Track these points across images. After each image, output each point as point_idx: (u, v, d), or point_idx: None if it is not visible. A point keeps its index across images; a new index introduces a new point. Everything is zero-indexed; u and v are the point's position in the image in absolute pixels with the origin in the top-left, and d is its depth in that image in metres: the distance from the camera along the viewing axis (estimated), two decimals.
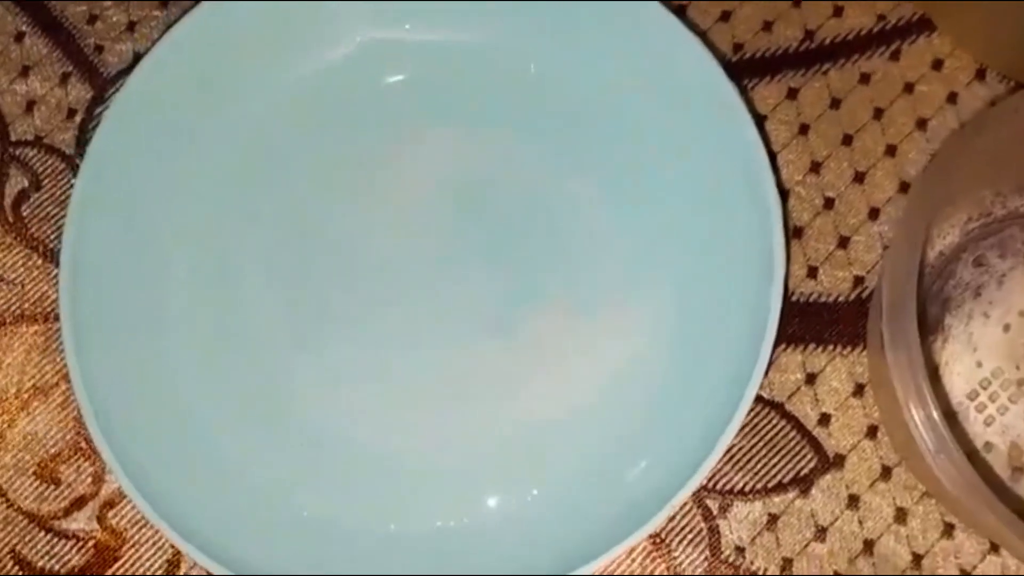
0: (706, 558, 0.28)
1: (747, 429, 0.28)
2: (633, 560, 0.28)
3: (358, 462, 0.28)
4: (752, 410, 0.28)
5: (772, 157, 0.30)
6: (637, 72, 0.29)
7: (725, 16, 0.31)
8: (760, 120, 0.30)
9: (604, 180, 0.29)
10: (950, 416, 0.28)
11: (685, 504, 0.28)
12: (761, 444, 0.28)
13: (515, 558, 0.26)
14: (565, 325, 0.28)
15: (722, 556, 0.28)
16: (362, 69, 0.29)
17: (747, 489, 0.28)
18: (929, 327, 0.29)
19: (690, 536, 0.28)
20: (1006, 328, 0.29)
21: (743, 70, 0.31)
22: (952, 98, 0.30)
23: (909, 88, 0.31)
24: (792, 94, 0.31)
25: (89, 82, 0.32)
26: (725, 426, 0.25)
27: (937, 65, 0.31)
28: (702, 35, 0.30)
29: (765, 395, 0.29)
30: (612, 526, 0.25)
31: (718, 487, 0.28)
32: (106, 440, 0.26)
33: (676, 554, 0.28)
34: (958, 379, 0.28)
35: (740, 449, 0.28)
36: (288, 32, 0.29)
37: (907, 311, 0.24)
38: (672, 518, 0.28)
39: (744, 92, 0.30)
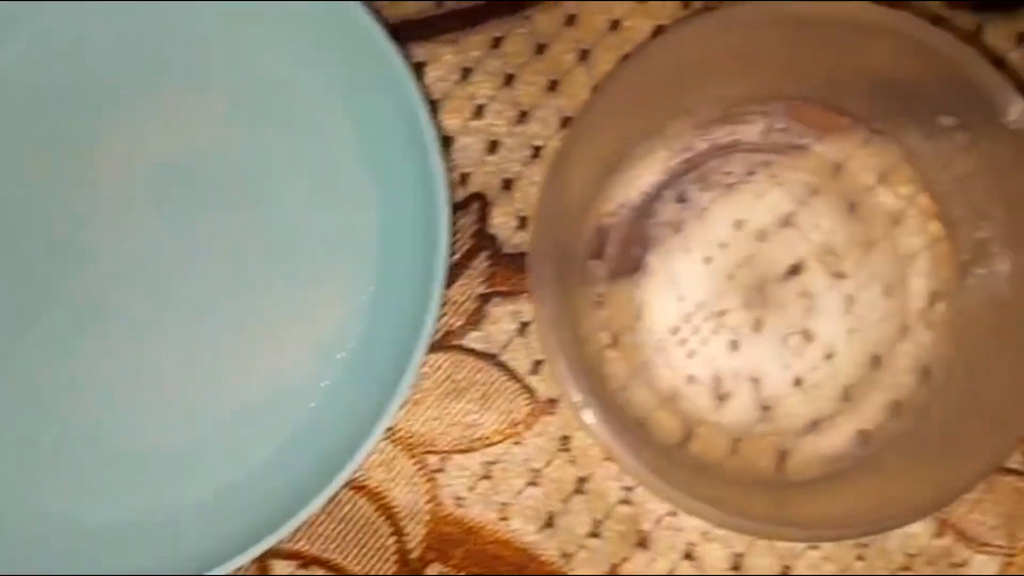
0: (429, 511, 0.29)
1: (463, 383, 0.29)
2: (358, 513, 0.29)
3: (86, 452, 0.28)
4: (469, 365, 0.29)
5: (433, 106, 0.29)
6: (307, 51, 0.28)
7: None
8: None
9: (294, 154, 0.29)
10: (659, 350, 0.28)
11: (410, 460, 0.29)
12: (480, 397, 0.29)
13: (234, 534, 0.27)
14: (272, 300, 0.29)
15: (443, 508, 0.29)
16: (37, 61, 0.29)
17: (463, 443, 0.29)
18: (632, 267, 0.29)
19: (411, 493, 0.28)
20: (707, 261, 0.29)
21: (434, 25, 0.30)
22: (659, 32, 0.30)
23: (615, 25, 0.31)
24: (497, 43, 0.30)
25: None
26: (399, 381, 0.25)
27: None
28: None
29: (482, 349, 0.30)
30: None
31: (436, 445, 0.29)
32: None
33: (400, 515, 0.28)
34: (660, 315, 0.29)
35: (453, 404, 0.29)
36: None
37: (546, 261, 0.25)
38: (396, 480, 0.29)
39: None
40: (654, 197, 0.29)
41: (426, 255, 0.26)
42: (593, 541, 0.29)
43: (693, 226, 0.29)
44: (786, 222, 0.29)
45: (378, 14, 0.29)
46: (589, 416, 0.25)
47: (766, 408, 0.29)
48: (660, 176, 0.29)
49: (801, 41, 0.27)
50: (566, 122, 0.30)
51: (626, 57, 0.29)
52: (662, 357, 0.29)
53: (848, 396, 0.29)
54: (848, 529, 0.26)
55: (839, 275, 0.29)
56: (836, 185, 0.29)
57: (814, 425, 0.29)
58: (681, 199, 0.29)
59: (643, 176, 0.29)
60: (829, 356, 0.29)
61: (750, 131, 0.29)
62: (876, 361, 0.29)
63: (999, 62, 0.30)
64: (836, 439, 0.29)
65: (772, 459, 0.29)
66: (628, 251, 0.29)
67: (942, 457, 0.27)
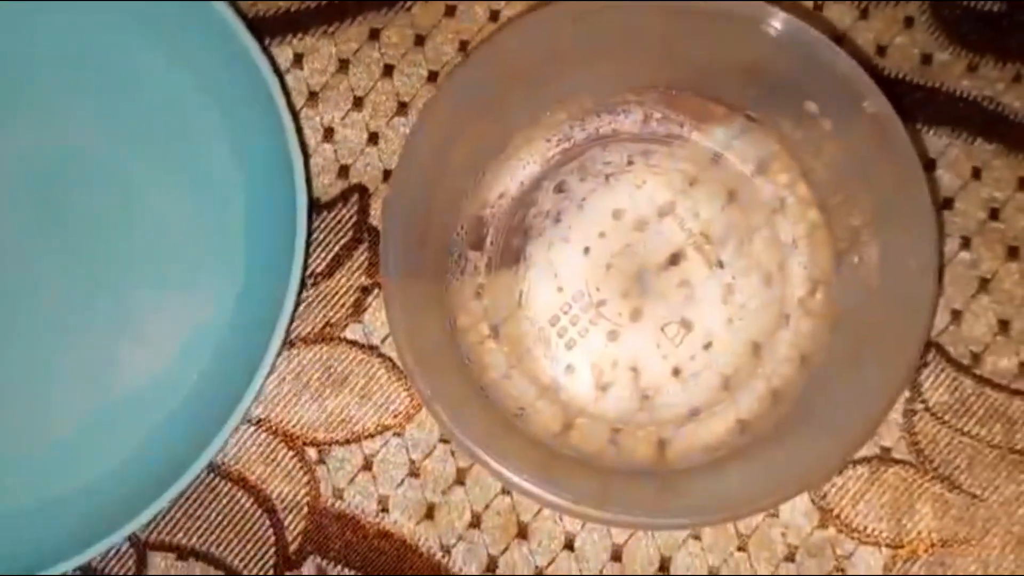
0: (308, 503, 0.29)
1: (343, 375, 0.29)
2: (236, 506, 0.28)
3: None
4: (349, 357, 0.29)
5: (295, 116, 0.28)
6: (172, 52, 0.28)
7: None
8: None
9: (163, 154, 0.29)
10: (539, 340, 0.28)
11: (289, 452, 0.28)
12: (360, 389, 0.29)
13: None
14: (141, 298, 0.29)
15: (322, 501, 0.29)
16: None
17: (344, 433, 0.29)
18: (512, 257, 0.29)
19: (290, 485, 0.28)
20: (586, 251, 0.29)
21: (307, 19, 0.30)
22: None
23: (494, 16, 0.31)
24: (375, 34, 0.30)
25: None
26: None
27: None
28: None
29: (362, 341, 0.30)
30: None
31: (316, 438, 0.29)
32: None
33: (280, 508, 0.28)
34: (540, 306, 0.29)
35: (333, 396, 0.29)
36: None
37: (393, 265, 0.25)
38: (275, 474, 0.28)
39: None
40: (534, 187, 0.29)
41: (290, 253, 0.26)
42: (473, 532, 0.29)
43: (572, 216, 0.29)
44: (665, 211, 0.29)
45: (250, 9, 0.29)
46: (440, 414, 0.25)
47: (645, 397, 0.29)
48: (539, 166, 0.29)
49: (675, 31, 0.27)
50: None
51: (480, 43, 0.28)
52: (542, 347, 0.29)
53: (727, 385, 0.28)
54: (724, 513, 0.26)
55: (718, 264, 0.29)
56: (715, 174, 0.29)
57: (694, 414, 0.28)
58: (560, 189, 0.29)
59: (523, 166, 0.29)
60: (708, 345, 0.29)
61: (628, 121, 0.29)
62: (756, 349, 0.28)
63: (881, 50, 0.31)
64: (716, 427, 0.28)
65: (652, 448, 0.29)
66: (508, 241, 0.29)
67: (817, 441, 0.27)
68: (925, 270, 0.25)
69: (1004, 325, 0.29)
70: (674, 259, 0.29)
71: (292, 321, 0.28)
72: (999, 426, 0.28)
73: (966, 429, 0.29)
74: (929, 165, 0.30)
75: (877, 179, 0.26)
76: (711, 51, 0.27)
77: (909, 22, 0.31)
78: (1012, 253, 0.29)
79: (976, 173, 0.30)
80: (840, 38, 0.30)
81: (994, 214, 0.30)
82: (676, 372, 0.29)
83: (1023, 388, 0.29)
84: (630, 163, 0.29)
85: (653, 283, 0.29)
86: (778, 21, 0.26)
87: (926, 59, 0.30)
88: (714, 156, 0.29)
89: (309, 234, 0.29)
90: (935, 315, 0.28)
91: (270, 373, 0.28)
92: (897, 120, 0.25)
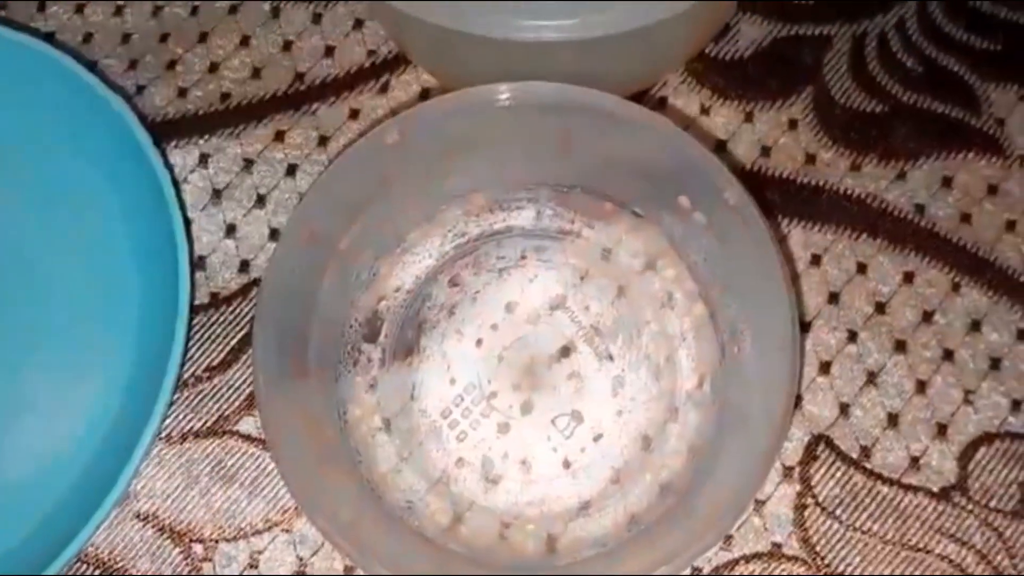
0: None
1: (232, 469, 0.28)
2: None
3: None
4: (241, 451, 0.29)
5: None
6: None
7: (213, 68, 0.32)
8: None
9: (64, 236, 0.30)
10: (431, 433, 0.28)
11: (175, 549, 0.28)
12: (249, 484, 0.28)
13: None
14: (43, 382, 0.29)
15: None
16: None
17: (231, 529, 0.28)
18: (406, 350, 0.29)
19: None
20: (479, 343, 0.29)
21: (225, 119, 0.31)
22: None
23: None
24: (280, 136, 0.32)
25: None
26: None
27: (424, 95, 0.32)
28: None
29: (255, 434, 0.29)
30: None
31: (203, 535, 0.28)
32: None
33: None
34: (432, 398, 0.29)
35: (222, 490, 0.28)
36: None
37: (266, 366, 0.25)
38: (160, 570, 0.28)
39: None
40: (429, 281, 0.30)
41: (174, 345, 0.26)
42: None
43: (466, 309, 0.30)
44: (556, 305, 0.29)
45: (159, 112, 0.31)
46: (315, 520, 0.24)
47: (535, 491, 0.28)
48: (435, 260, 0.30)
49: (563, 129, 0.28)
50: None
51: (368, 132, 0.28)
52: (433, 440, 0.29)
53: (617, 478, 0.28)
54: None
55: (608, 357, 0.29)
56: (605, 269, 0.30)
57: (584, 508, 0.28)
58: (455, 283, 0.30)
59: (418, 260, 0.30)
60: (598, 438, 0.29)
61: (522, 217, 0.30)
62: (645, 442, 0.28)
63: (766, 150, 0.32)
64: (605, 521, 0.28)
65: (542, 544, 0.28)
66: (403, 334, 0.30)
67: (699, 528, 0.26)
68: (784, 347, 0.25)
69: (893, 418, 0.29)
70: (565, 351, 0.29)
71: (177, 415, 0.28)
72: (891, 521, 0.28)
73: (858, 524, 0.28)
74: (815, 260, 0.30)
75: (743, 268, 0.27)
76: (600, 150, 0.28)
77: (793, 124, 0.32)
78: (899, 346, 0.30)
79: (861, 268, 0.30)
80: (724, 142, 0.32)
81: (880, 308, 0.30)
82: (567, 464, 0.28)
83: (914, 483, 0.29)
84: (523, 257, 0.30)
85: (544, 375, 0.29)
86: (657, 123, 0.27)
87: (810, 158, 0.32)
88: (604, 252, 0.30)
89: (200, 329, 0.29)
90: (797, 388, 0.27)
91: (160, 467, 0.28)
92: (753, 207, 0.26)
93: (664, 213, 0.29)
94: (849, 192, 0.31)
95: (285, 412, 0.25)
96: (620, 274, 0.30)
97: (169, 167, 0.29)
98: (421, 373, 0.29)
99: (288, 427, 0.25)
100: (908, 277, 0.30)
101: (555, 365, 0.29)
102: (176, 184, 0.30)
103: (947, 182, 0.31)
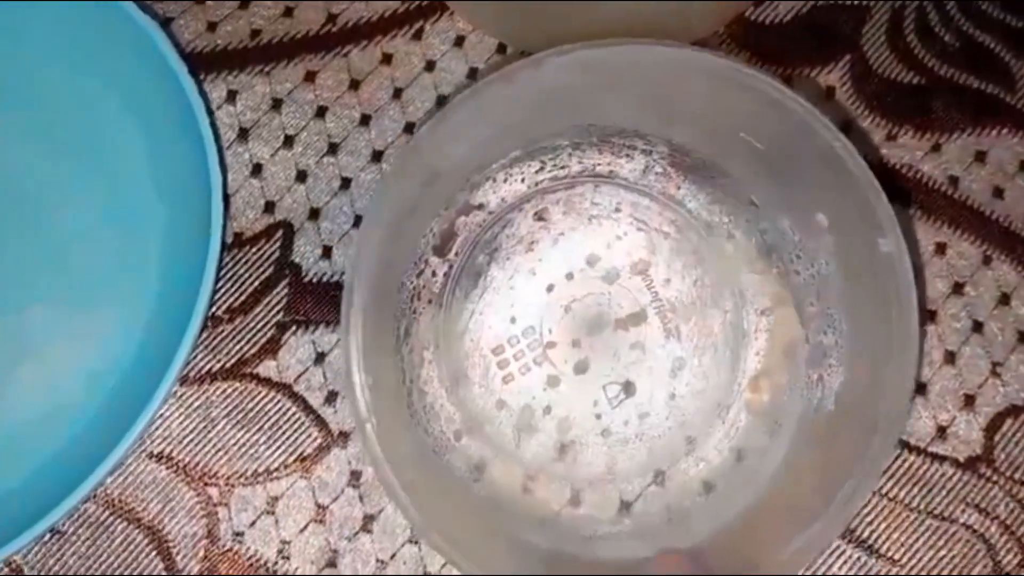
0: (204, 547, 0.27)
1: (252, 414, 0.28)
2: (130, 544, 0.27)
3: None
4: (260, 395, 0.28)
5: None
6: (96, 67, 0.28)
7: (244, 3, 0.31)
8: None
9: (85, 176, 0.29)
10: (477, 366, 0.27)
11: (189, 491, 0.27)
12: (268, 428, 0.28)
13: None
14: (53, 320, 0.28)
15: (220, 544, 0.27)
16: None
17: (248, 473, 0.28)
18: (473, 274, 0.28)
19: (187, 526, 0.27)
20: (549, 288, 0.28)
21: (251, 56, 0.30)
22: (473, 74, 0.31)
23: (430, 66, 0.31)
24: (311, 77, 0.31)
25: None
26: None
27: (459, 42, 0.32)
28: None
29: (275, 378, 0.28)
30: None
31: (219, 476, 0.28)
32: None
33: (174, 549, 0.27)
34: (488, 331, 0.28)
35: (241, 434, 0.28)
36: None
37: (355, 290, 0.23)
38: (173, 513, 0.27)
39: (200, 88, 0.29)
40: (514, 207, 0.28)
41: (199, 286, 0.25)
42: None
43: (545, 249, 0.28)
44: (638, 269, 0.28)
45: (188, 44, 0.30)
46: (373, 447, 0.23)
47: (568, 451, 0.27)
48: (526, 187, 0.28)
49: (703, 93, 0.25)
50: (377, 156, 0.30)
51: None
52: (479, 374, 0.27)
53: (652, 460, 0.27)
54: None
55: (676, 335, 0.28)
56: (698, 247, 0.28)
57: (612, 478, 0.27)
58: (540, 217, 0.28)
59: (509, 183, 0.28)
60: (643, 416, 0.28)
61: (628, 167, 0.28)
62: (689, 434, 0.27)
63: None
64: (636, 495, 0.27)
65: (565, 500, 0.28)
66: (474, 256, 0.28)
67: (741, 540, 0.25)
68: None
69: (921, 388, 0.29)
70: (634, 319, 0.28)
71: (196, 356, 0.27)
72: (916, 488, 0.28)
73: (884, 491, 0.28)
74: None
75: (863, 311, 0.25)
76: (730, 122, 0.26)
77: (831, 91, 0.32)
78: (929, 316, 0.30)
79: None
80: None
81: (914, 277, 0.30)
82: (605, 433, 0.27)
83: (940, 452, 0.29)
84: (617, 210, 0.28)
85: (607, 338, 0.28)
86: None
87: (846, 126, 0.32)
88: (704, 228, 0.28)
89: (223, 269, 0.28)
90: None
91: (177, 408, 0.28)
92: (907, 259, 0.24)
93: (783, 211, 0.27)
94: (884, 161, 0.32)
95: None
96: (712, 257, 0.28)
97: (204, 97, 0.28)
98: (482, 303, 0.28)
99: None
100: (940, 248, 0.31)
101: (620, 331, 0.28)
102: (211, 114, 0.29)
103: (980, 156, 0.31)
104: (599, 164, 0.28)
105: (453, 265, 0.28)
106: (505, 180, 0.28)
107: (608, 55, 0.24)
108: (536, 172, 0.28)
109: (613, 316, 0.28)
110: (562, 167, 0.28)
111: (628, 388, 0.28)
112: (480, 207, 0.28)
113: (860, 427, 0.24)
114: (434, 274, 0.27)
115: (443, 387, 0.27)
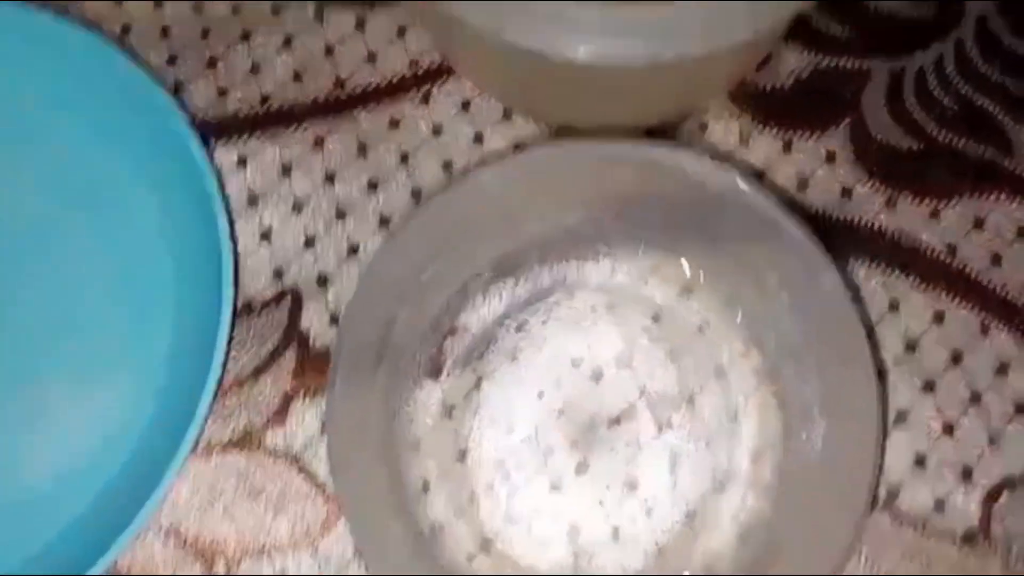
0: None
1: (259, 484, 0.28)
2: None
3: None
4: (267, 466, 0.28)
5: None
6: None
7: (255, 69, 0.32)
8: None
9: (98, 239, 0.29)
10: (483, 485, 0.27)
11: (197, 564, 0.27)
12: (275, 500, 0.28)
13: None
14: (65, 389, 0.28)
15: None
16: None
17: (254, 548, 0.28)
18: (465, 391, 0.28)
19: None
20: (540, 395, 0.28)
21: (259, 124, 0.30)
22: (479, 138, 0.31)
23: (437, 130, 0.32)
24: (319, 142, 0.31)
25: None
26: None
27: (466, 106, 0.32)
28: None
29: (282, 449, 0.28)
30: None
31: (227, 548, 0.27)
32: None
33: None
34: (488, 446, 0.28)
35: (248, 505, 0.28)
36: None
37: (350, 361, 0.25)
38: None
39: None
40: (496, 324, 0.29)
41: (211, 356, 0.25)
42: None
43: (530, 357, 0.29)
44: (622, 364, 0.29)
45: (199, 112, 0.30)
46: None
47: (579, 557, 0.27)
48: (504, 305, 0.29)
49: (645, 186, 0.27)
50: (385, 222, 0.31)
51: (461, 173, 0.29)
52: (485, 493, 0.28)
53: (662, 553, 0.28)
54: None
55: (668, 425, 0.28)
56: (674, 334, 0.29)
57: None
58: (521, 329, 0.29)
59: (487, 303, 0.29)
60: (649, 510, 0.28)
61: (597, 271, 0.29)
62: (693, 518, 0.28)
63: (803, 183, 0.31)
64: None
65: None
66: (464, 375, 0.29)
67: None
68: (866, 447, 0.25)
69: (920, 460, 0.30)
70: (626, 414, 0.29)
71: (206, 426, 0.27)
72: (915, 565, 0.29)
73: (884, 568, 0.29)
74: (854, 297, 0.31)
75: (829, 357, 0.26)
76: (677, 210, 0.28)
77: (831, 156, 0.33)
78: (927, 387, 0.30)
79: (893, 305, 0.31)
80: (762, 173, 0.32)
81: (911, 347, 0.31)
82: (615, 534, 0.28)
83: (939, 526, 0.29)
84: (593, 312, 0.29)
85: (603, 436, 0.28)
86: (742, 182, 0.27)
87: (846, 192, 0.32)
88: (674, 316, 0.29)
89: (233, 337, 0.28)
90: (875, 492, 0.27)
91: (182, 481, 0.28)
92: (849, 301, 0.26)
93: (741, 284, 0.28)
94: (883, 229, 0.32)
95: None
96: (689, 341, 0.29)
97: (215, 167, 0.28)
98: (479, 418, 0.28)
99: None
100: (939, 316, 0.31)
101: (615, 427, 0.28)
102: (221, 184, 0.29)
103: (979, 223, 0.32)
104: (569, 273, 0.29)
105: (444, 388, 0.28)
106: (484, 300, 0.29)
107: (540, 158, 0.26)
108: (512, 289, 0.29)
109: (605, 414, 0.29)
110: (535, 281, 0.29)
111: (630, 484, 0.28)
112: (466, 328, 0.29)
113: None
114: (429, 396, 0.28)
115: (451, 508, 0.28)
